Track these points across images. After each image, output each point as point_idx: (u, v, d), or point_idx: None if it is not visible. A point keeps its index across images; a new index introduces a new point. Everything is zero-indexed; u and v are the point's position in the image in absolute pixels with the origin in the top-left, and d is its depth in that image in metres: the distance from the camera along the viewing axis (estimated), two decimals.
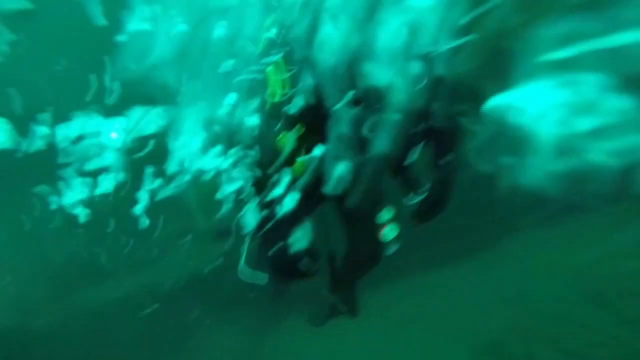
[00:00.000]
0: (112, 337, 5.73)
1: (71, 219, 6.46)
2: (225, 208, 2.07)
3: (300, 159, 1.72)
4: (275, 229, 1.59)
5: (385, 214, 2.01)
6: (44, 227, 6.98)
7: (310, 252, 1.65)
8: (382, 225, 2.00)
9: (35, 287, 6.69)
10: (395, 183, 1.94)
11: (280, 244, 1.59)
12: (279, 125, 1.69)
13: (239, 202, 1.71)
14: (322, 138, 1.67)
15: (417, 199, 1.90)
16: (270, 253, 1.60)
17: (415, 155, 1.82)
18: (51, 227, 6.83)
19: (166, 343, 5.43)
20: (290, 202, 1.92)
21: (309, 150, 1.69)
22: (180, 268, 5.46)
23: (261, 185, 1.71)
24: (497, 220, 4.76)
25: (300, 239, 1.64)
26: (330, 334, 5.00)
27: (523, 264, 4.58)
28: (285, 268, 1.64)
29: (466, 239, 4.91)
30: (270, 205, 1.66)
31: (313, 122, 1.65)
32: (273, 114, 1.71)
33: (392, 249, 2.00)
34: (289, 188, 1.90)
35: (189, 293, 5.30)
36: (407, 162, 1.82)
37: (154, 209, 5.90)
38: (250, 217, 1.61)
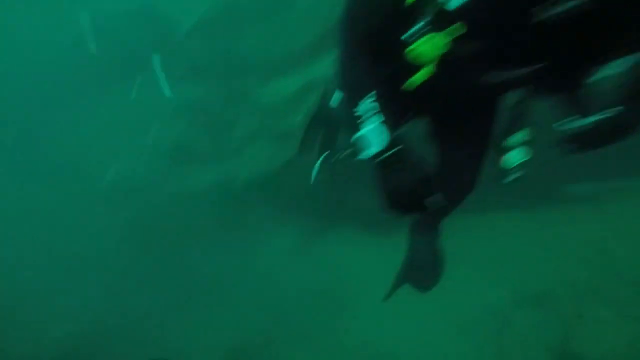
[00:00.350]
0: (193, 221, 6.51)
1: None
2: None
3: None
4: (400, 154, 1.33)
5: (520, 135, 1.72)
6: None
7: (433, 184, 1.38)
8: (509, 147, 1.73)
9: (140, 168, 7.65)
10: (556, 100, 1.57)
11: (407, 172, 1.33)
12: (418, 27, 1.30)
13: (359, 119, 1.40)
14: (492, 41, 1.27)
15: (583, 121, 1.50)
16: (392, 181, 1.34)
17: (616, 67, 1.36)
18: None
19: (230, 234, 6.03)
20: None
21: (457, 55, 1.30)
22: (255, 165, 5.78)
23: (387, 101, 1.39)
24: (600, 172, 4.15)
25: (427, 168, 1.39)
26: (376, 251, 5.12)
27: (616, 224, 4.02)
28: (408, 200, 1.37)
29: (559, 184, 4.38)
30: (397, 124, 1.41)
31: (484, 22, 1.22)
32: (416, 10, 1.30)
33: (512, 176, 1.74)
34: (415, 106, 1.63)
35: (257, 189, 5.66)
36: (598, 76, 1.40)
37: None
38: (372, 136, 1.34)
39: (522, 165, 1.73)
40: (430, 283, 2.45)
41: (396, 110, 1.40)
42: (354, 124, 1.38)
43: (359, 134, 1.36)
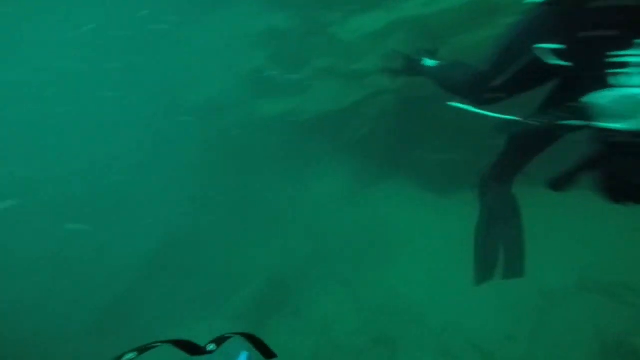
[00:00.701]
0: (259, 147, 6.75)
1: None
2: None
3: None
4: None
5: None
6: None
7: None
8: None
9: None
10: None
11: None
12: None
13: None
14: None
15: None
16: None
17: None
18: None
19: (290, 164, 6.14)
20: None
21: None
22: (322, 101, 5.70)
23: None
24: None
25: None
26: (429, 211, 4.89)
27: None
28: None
29: None
30: None
31: None
32: None
33: None
34: None
35: (321, 126, 5.62)
36: None
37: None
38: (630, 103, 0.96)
39: None
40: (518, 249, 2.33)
41: None
42: (590, 81, 1.01)
43: (601, 97, 1.00)
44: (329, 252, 4.98)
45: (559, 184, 1.42)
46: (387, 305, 4.16)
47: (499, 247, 2.37)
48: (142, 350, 0.62)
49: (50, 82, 9.96)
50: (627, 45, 0.97)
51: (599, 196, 1.20)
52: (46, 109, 9.61)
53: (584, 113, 1.09)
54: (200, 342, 0.69)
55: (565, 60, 1.31)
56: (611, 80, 0.98)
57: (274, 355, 0.71)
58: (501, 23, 4.35)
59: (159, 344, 0.64)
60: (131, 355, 0.61)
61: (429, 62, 2.42)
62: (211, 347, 0.67)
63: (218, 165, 7.27)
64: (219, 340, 0.68)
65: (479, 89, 1.87)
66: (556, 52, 1.38)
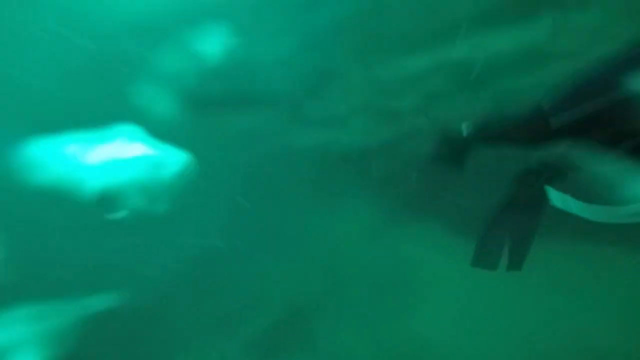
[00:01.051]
0: (289, 176, 6.86)
1: None
2: None
3: None
4: None
5: None
6: None
7: None
8: None
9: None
10: None
11: None
12: None
13: None
14: None
15: None
16: None
17: None
18: None
19: (317, 196, 6.18)
20: None
21: None
22: (354, 137, 5.77)
23: None
24: None
25: None
26: (458, 256, 4.73)
27: None
28: None
29: None
30: None
31: None
32: None
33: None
34: None
35: (352, 161, 5.67)
36: None
37: None
38: None
39: None
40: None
41: None
42: None
43: None
44: (349, 288, 4.89)
45: None
46: (406, 348, 4.00)
47: (505, 235, 2.19)
48: None
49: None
50: None
51: None
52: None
53: None
54: None
55: None
56: None
57: None
58: (551, 69, 4.34)
59: None
60: None
61: (466, 128, 2.35)
62: None
63: (247, 191, 7.41)
64: None
65: (535, 127, 1.81)
66: None
